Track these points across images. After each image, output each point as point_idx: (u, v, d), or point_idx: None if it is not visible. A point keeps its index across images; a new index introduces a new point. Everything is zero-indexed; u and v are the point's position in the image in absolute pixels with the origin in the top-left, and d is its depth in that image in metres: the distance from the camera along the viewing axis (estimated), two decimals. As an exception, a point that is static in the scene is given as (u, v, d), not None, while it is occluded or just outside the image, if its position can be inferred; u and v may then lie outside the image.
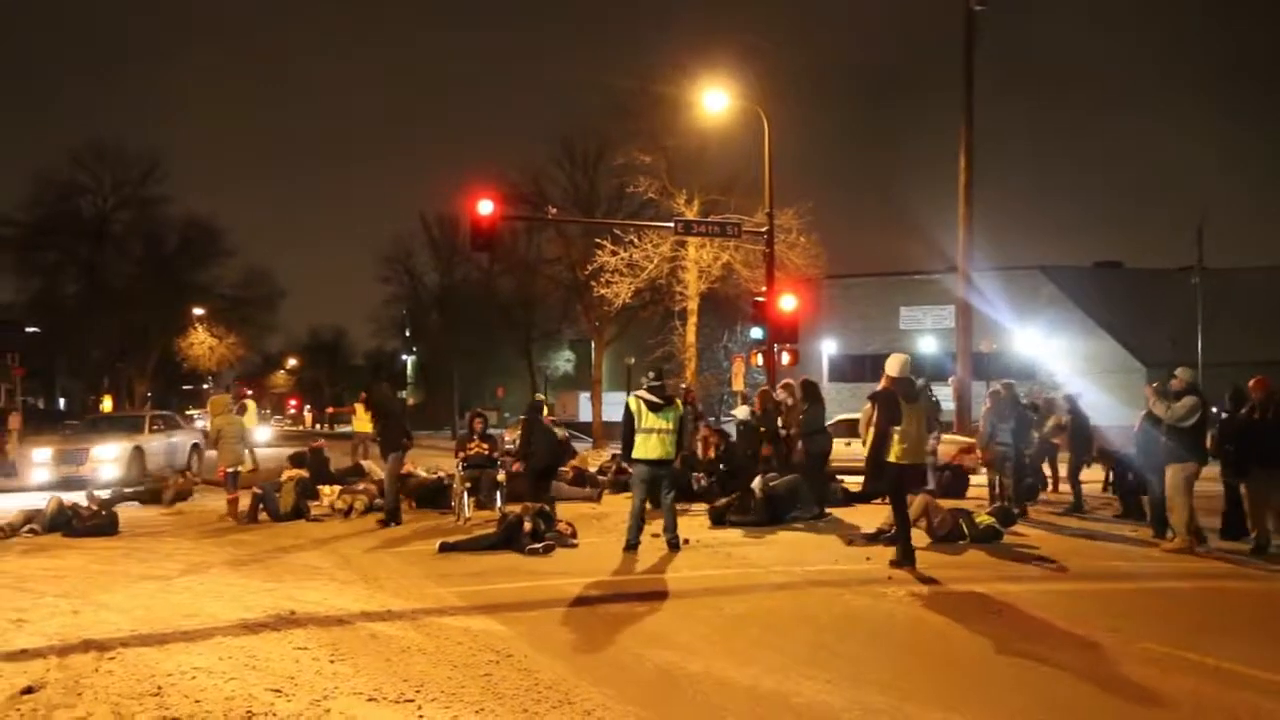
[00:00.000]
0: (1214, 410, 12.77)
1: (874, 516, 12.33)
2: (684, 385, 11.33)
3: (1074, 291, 49.26)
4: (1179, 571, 10.04)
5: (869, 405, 10.15)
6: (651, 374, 11.33)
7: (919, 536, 10.76)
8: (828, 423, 15.89)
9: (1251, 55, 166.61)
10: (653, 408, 10.85)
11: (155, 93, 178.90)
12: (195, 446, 24.08)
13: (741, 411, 15.62)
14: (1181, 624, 7.62)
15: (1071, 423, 16.03)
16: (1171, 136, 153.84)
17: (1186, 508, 11.05)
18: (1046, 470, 17.63)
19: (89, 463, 20.04)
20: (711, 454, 16.28)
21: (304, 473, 15.25)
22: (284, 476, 14.89)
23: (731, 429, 17.75)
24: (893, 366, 10.12)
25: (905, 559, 9.70)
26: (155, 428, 22.94)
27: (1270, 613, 8.66)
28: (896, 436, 9.87)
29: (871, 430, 10.02)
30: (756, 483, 13.50)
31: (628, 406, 11.00)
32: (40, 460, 20.48)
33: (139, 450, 21.21)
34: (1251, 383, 11.29)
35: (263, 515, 13.68)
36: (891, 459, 9.91)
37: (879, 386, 10.15)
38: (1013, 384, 15.69)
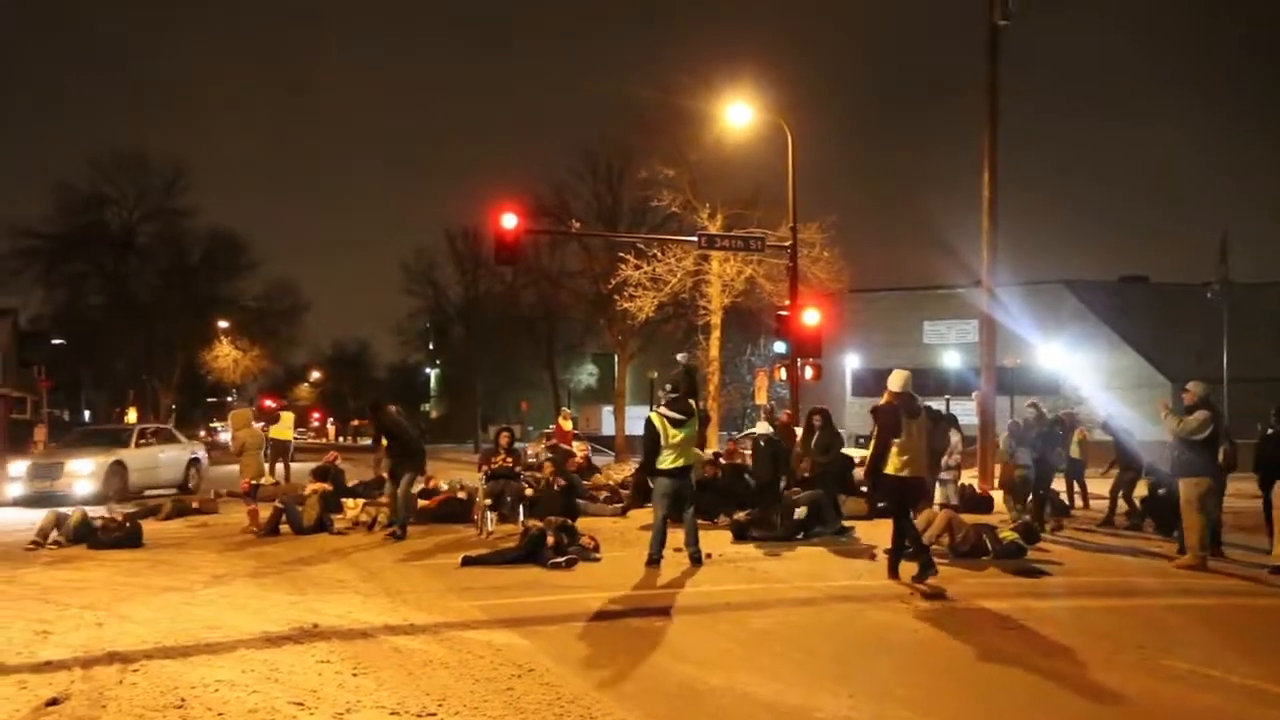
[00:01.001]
0: (1259, 426, 12.69)
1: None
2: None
3: (1098, 306, 48.94)
4: (1202, 588, 9.95)
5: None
6: (669, 386, 11.20)
7: (940, 552, 10.72)
8: None
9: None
10: (675, 424, 10.67)
11: (170, 97, 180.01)
12: (194, 461, 23.13)
13: (762, 427, 15.51)
14: (1205, 641, 7.55)
15: (1115, 444, 15.89)
16: (1199, 150, 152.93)
17: (1200, 523, 10.93)
18: (1063, 486, 17.44)
19: (64, 477, 19.17)
20: (711, 471, 15.71)
21: (327, 486, 15.31)
22: (307, 490, 14.96)
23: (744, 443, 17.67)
24: (895, 382, 10.25)
25: (926, 573, 9.65)
26: (142, 441, 21.80)
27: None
28: (895, 449, 9.90)
29: (872, 443, 10.16)
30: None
31: (650, 422, 10.74)
32: (15, 475, 19.68)
33: (120, 464, 20.17)
34: None
35: (284, 528, 13.71)
36: (890, 471, 9.95)
37: (881, 401, 10.25)
38: (1038, 403, 15.59)
